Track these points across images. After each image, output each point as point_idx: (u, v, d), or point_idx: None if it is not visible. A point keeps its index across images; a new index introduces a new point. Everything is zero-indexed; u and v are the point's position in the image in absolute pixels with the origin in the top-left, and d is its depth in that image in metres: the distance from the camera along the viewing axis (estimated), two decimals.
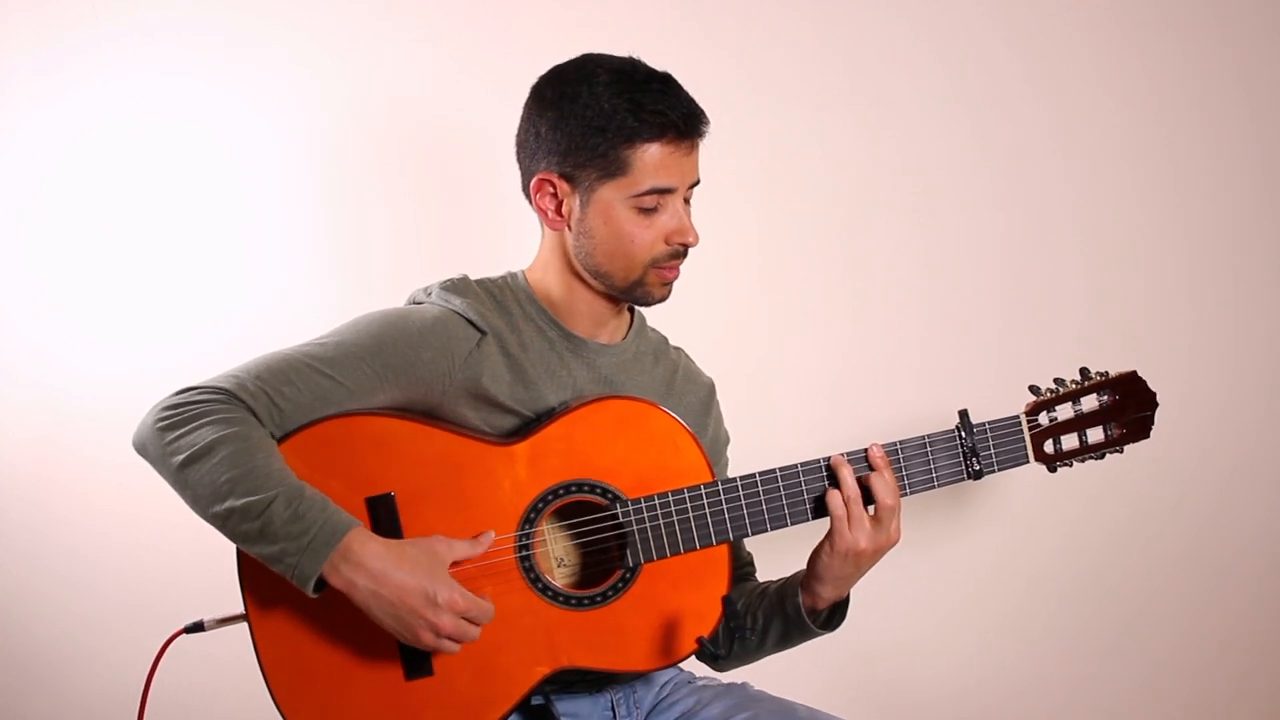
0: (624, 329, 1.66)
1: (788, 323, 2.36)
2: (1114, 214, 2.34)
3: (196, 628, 1.52)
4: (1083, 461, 1.55)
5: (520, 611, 1.47)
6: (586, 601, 1.49)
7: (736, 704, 1.58)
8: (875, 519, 1.49)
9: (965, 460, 1.52)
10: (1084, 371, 1.55)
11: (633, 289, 1.55)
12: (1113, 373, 1.55)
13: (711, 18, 2.32)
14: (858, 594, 1.59)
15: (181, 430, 1.36)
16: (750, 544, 1.76)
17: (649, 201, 1.50)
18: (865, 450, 1.50)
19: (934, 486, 1.53)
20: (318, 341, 1.48)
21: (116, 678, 2.18)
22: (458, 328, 1.51)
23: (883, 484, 1.48)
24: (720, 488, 1.49)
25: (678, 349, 1.74)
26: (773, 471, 1.50)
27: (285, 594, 1.42)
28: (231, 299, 2.34)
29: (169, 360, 2.31)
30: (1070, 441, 1.54)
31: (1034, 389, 1.55)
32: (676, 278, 1.57)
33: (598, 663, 1.49)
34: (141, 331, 2.34)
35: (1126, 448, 1.56)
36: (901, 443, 1.52)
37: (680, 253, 1.55)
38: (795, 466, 1.50)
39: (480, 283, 1.59)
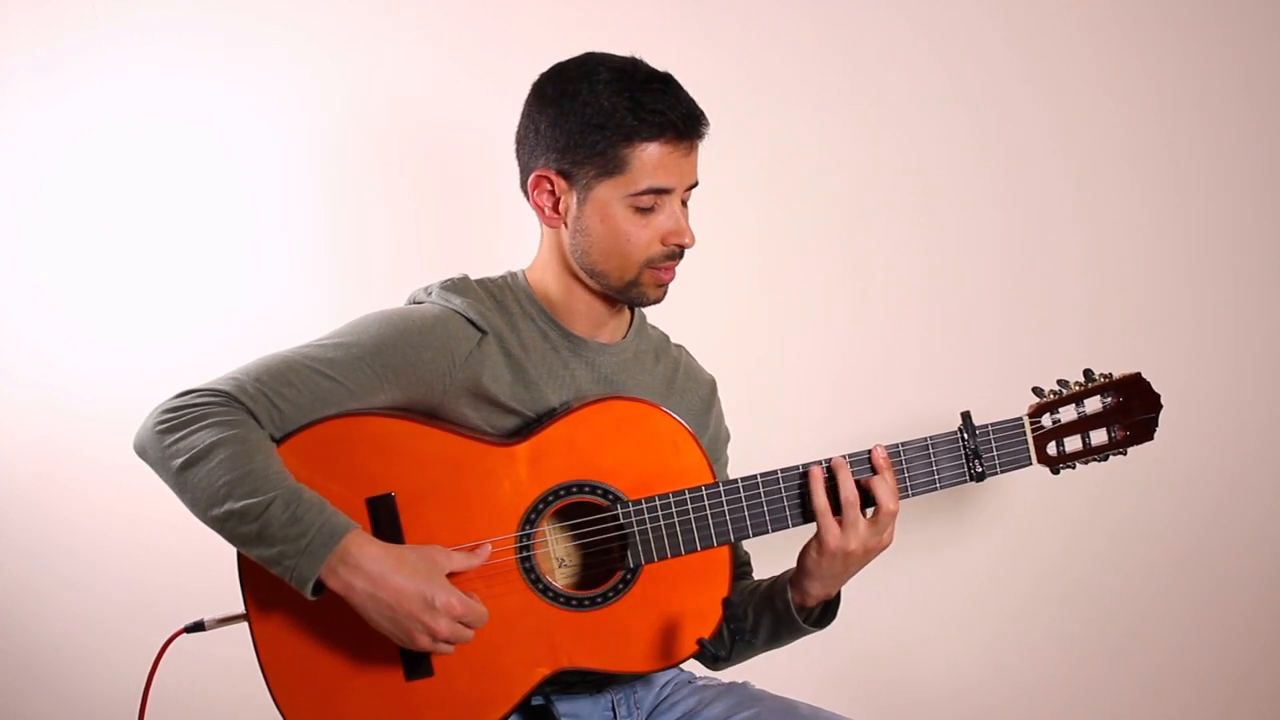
0: (624, 328, 1.66)
1: (788, 323, 2.36)
2: (1114, 214, 2.34)
3: (197, 627, 1.52)
4: (1086, 463, 1.55)
5: (521, 612, 1.47)
6: (587, 602, 1.49)
7: (738, 703, 1.58)
8: (872, 522, 1.48)
9: (968, 462, 1.52)
10: (1088, 373, 1.55)
11: (628, 289, 1.55)
12: (1117, 374, 1.54)
13: (711, 18, 2.32)
14: (860, 594, 1.59)
15: (181, 433, 1.36)
16: (749, 544, 1.76)
17: (646, 201, 1.50)
18: (868, 452, 1.50)
19: (936, 488, 1.52)
20: (318, 343, 1.48)
21: (116, 678, 2.18)
22: (458, 327, 1.51)
23: (885, 488, 1.48)
24: (721, 489, 1.49)
25: (679, 346, 1.74)
26: (773, 473, 1.49)
27: (286, 594, 1.42)
28: (231, 299, 2.34)
29: (169, 360, 2.31)
30: (1073, 443, 1.54)
31: (1037, 390, 1.54)
32: (672, 279, 1.57)
33: (598, 664, 1.49)
34: (141, 332, 2.34)
35: (1129, 450, 1.56)
36: (904, 444, 1.51)
37: (676, 254, 1.54)
38: (796, 468, 1.50)
39: (480, 282, 1.59)
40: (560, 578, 1.53)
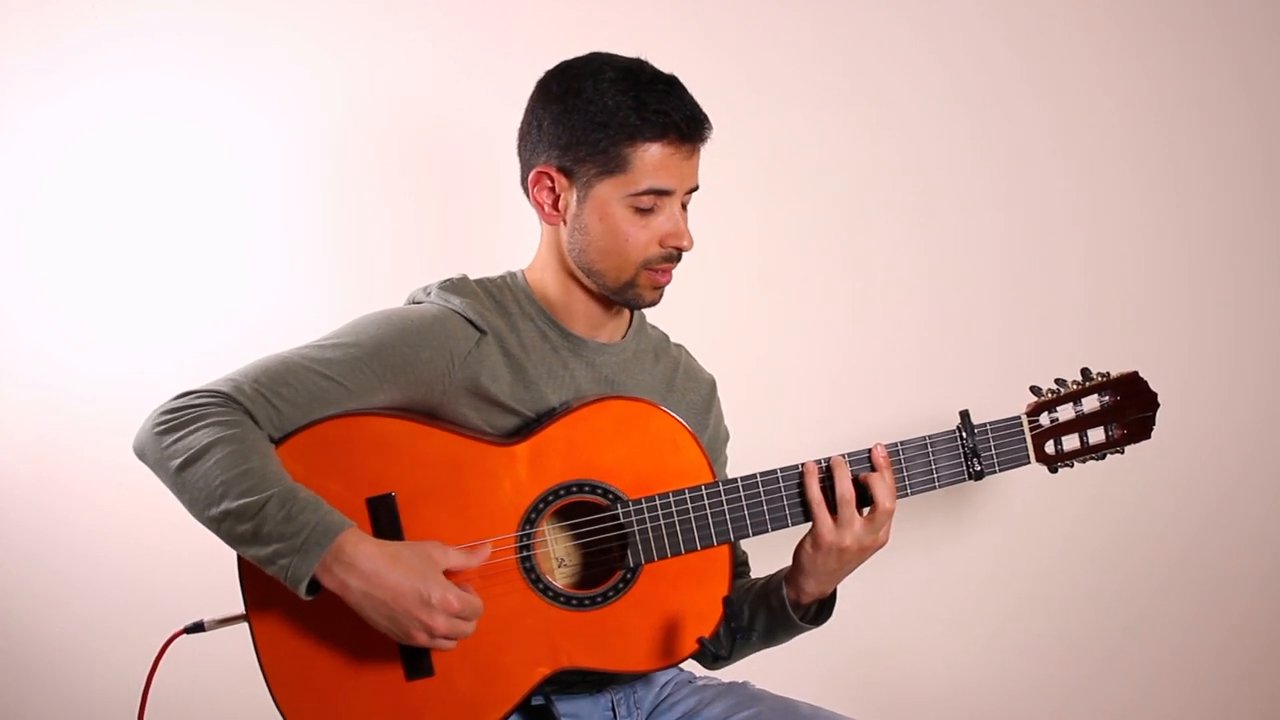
0: (623, 328, 1.66)
1: (788, 323, 2.36)
2: (1114, 214, 2.34)
3: (196, 628, 1.52)
4: (1084, 462, 1.55)
5: (521, 612, 1.47)
6: (587, 602, 1.49)
7: (738, 703, 1.58)
8: (869, 520, 1.48)
9: (966, 461, 1.52)
10: (1085, 372, 1.55)
11: (624, 290, 1.55)
12: (1114, 373, 1.55)
13: (711, 18, 2.32)
14: (859, 593, 1.59)
15: (179, 434, 1.36)
16: (747, 543, 1.76)
17: (646, 202, 1.50)
18: (868, 451, 1.50)
19: (935, 487, 1.53)
20: (317, 343, 1.48)
21: (116, 678, 2.18)
22: (457, 327, 1.51)
23: (883, 487, 1.48)
24: (721, 488, 1.49)
25: (678, 346, 1.74)
26: (773, 472, 1.49)
27: (285, 594, 1.42)
28: (231, 299, 2.34)
29: (169, 360, 2.31)
30: (1071, 442, 1.54)
31: (1035, 389, 1.55)
32: (669, 282, 1.57)
33: (598, 663, 1.49)
34: (141, 332, 2.34)
35: (1128, 449, 1.56)
36: (903, 443, 1.52)
37: (674, 256, 1.54)
38: (796, 467, 1.50)
39: (479, 282, 1.59)
40: (560, 577, 1.53)
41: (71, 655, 2.37)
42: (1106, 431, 1.55)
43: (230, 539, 1.36)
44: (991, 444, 1.52)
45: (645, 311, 1.70)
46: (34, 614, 2.38)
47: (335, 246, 2.35)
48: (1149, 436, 1.56)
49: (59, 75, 2.30)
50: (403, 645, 1.45)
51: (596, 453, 1.48)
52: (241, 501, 1.33)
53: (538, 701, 1.53)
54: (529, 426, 1.51)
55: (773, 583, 1.58)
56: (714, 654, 1.49)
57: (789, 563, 1.58)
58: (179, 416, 1.38)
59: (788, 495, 1.50)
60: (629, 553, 1.48)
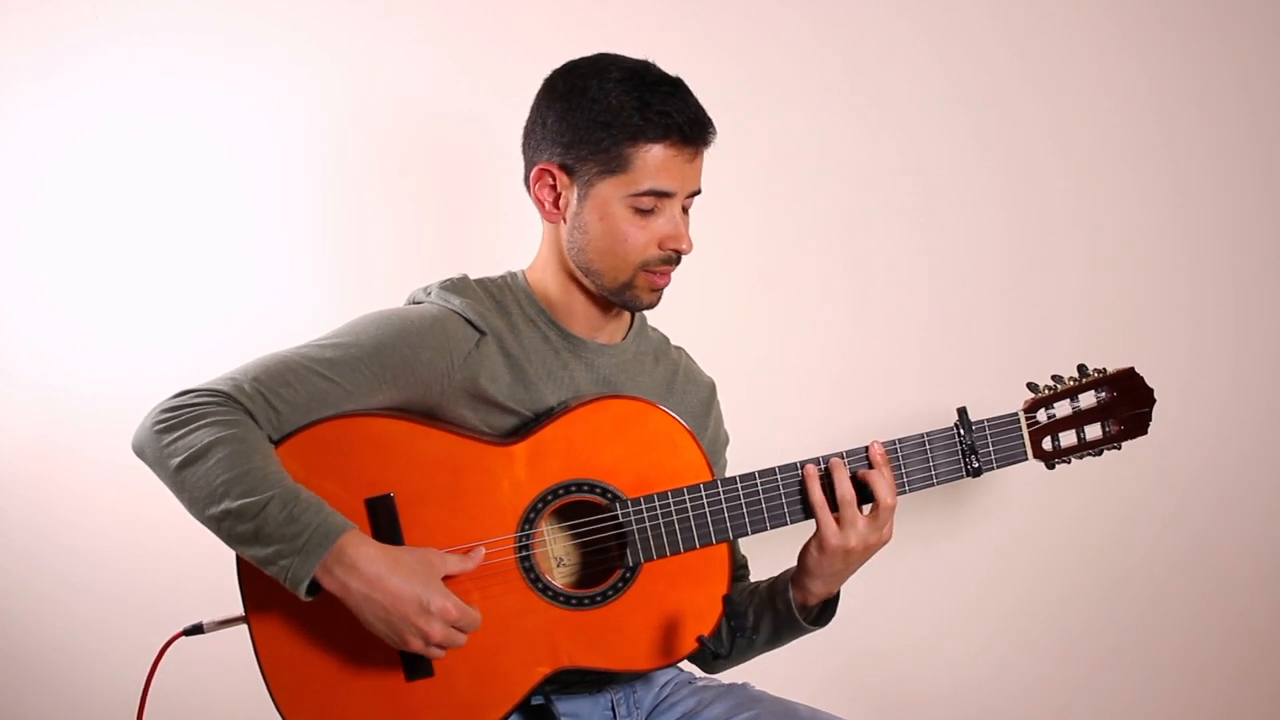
0: (623, 330, 1.66)
1: (788, 323, 2.36)
2: (1114, 214, 2.34)
3: (196, 630, 1.52)
4: (1081, 458, 1.56)
5: (520, 612, 1.47)
6: (587, 601, 1.49)
7: (738, 704, 1.58)
8: (871, 518, 1.49)
9: (964, 458, 1.52)
10: (1081, 368, 1.55)
11: (621, 291, 1.54)
12: (1110, 369, 1.55)
13: (711, 18, 2.32)
14: (857, 593, 1.59)
15: (179, 433, 1.36)
16: (748, 544, 1.76)
17: (646, 203, 1.50)
18: (866, 448, 1.50)
19: (933, 484, 1.53)
20: (316, 343, 1.47)
21: (116, 678, 2.18)
22: (457, 328, 1.51)
23: (883, 483, 1.48)
24: (720, 487, 1.49)
25: (679, 349, 1.74)
26: (772, 470, 1.50)
27: (285, 596, 1.42)
28: (231, 299, 2.34)
29: (169, 360, 2.31)
30: (1068, 438, 1.55)
31: (1032, 386, 1.55)
32: (667, 284, 1.57)
33: (598, 662, 1.49)
34: (141, 331, 2.34)
35: (1126, 447, 1.56)
36: (900, 440, 1.52)
37: (672, 259, 1.54)
38: (795, 465, 1.50)
39: (480, 282, 1.59)
40: (559, 577, 1.53)
41: (71, 655, 2.37)
42: (1103, 427, 1.55)
43: (230, 539, 1.36)
44: (989, 441, 1.53)
45: (645, 312, 1.69)
46: (34, 614, 2.38)
47: (335, 246, 2.35)
48: (1146, 432, 1.56)
49: (59, 75, 2.31)
50: None
51: (595, 452, 1.48)
52: (242, 501, 1.33)
53: (538, 701, 1.53)
54: (527, 426, 1.51)
55: (777, 586, 1.58)
56: (714, 652, 1.49)
57: (787, 565, 1.58)
58: (179, 415, 1.37)
59: (786, 494, 1.50)
60: (628, 552, 1.48)
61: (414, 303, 1.58)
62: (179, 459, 1.35)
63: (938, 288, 2.35)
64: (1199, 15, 2.32)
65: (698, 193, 1.55)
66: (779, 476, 1.50)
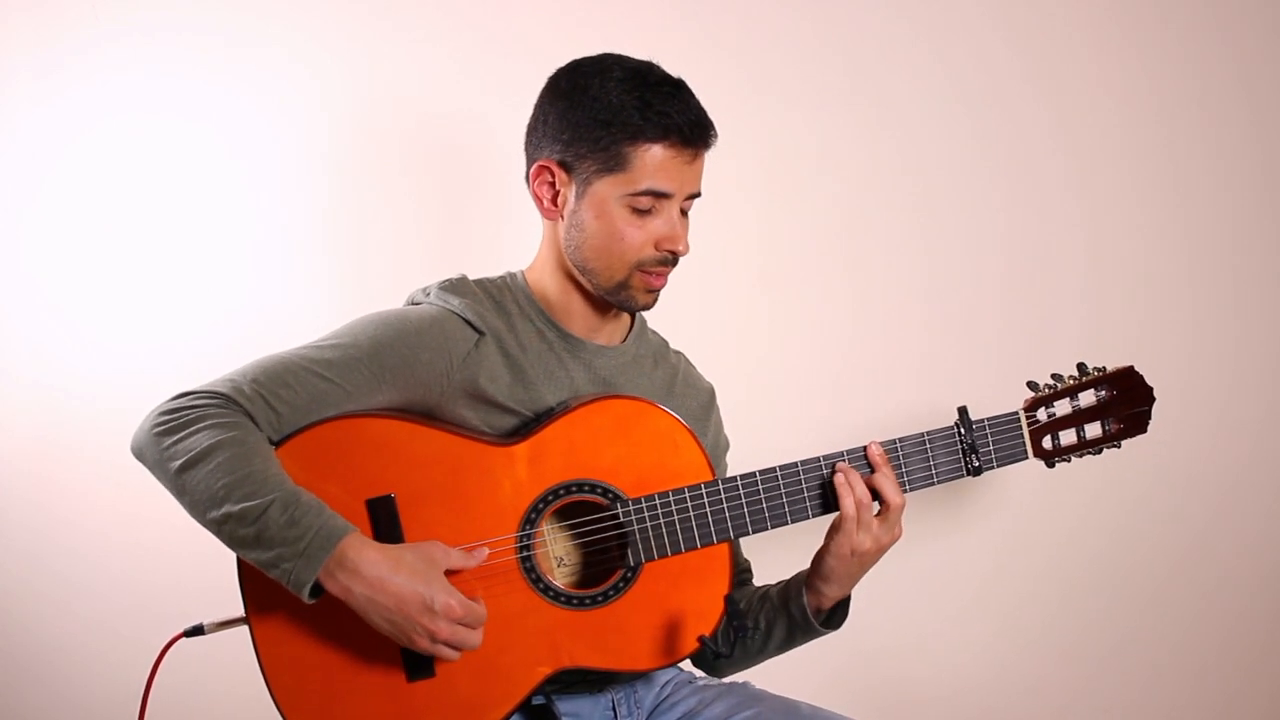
0: (623, 332, 1.66)
1: (788, 323, 2.36)
2: (1114, 214, 2.34)
3: (196, 631, 1.52)
4: (1080, 457, 1.56)
5: (522, 612, 1.47)
6: (588, 601, 1.49)
7: (739, 703, 1.58)
8: (882, 518, 1.49)
9: (964, 457, 1.53)
10: (1081, 367, 1.56)
11: (617, 290, 1.54)
12: (1110, 368, 1.56)
13: (711, 18, 2.32)
14: (857, 593, 1.59)
15: (178, 435, 1.36)
16: (748, 547, 1.76)
17: (644, 202, 1.50)
18: (864, 448, 1.50)
19: (933, 483, 1.53)
20: (315, 344, 1.47)
21: (116, 678, 2.18)
22: (456, 328, 1.51)
23: (889, 484, 1.49)
24: (721, 486, 1.49)
25: (678, 353, 1.74)
26: (773, 470, 1.50)
27: (285, 596, 1.42)
28: (231, 299, 2.34)
29: (169, 360, 2.31)
30: (1068, 437, 1.55)
31: (1032, 385, 1.56)
32: (663, 286, 1.56)
33: (599, 662, 1.49)
34: (141, 331, 2.34)
35: (1127, 447, 1.57)
36: (901, 440, 1.52)
37: (669, 260, 1.54)
38: (795, 464, 1.50)
39: (479, 283, 1.59)
40: (560, 577, 1.53)
41: (71, 655, 2.37)
42: (1103, 426, 1.55)
43: (231, 542, 1.36)
44: (989, 440, 1.53)
45: (645, 314, 1.69)
46: (34, 614, 2.38)
47: (335, 246, 2.35)
48: (1145, 431, 1.57)
49: (59, 75, 2.30)
50: (403, 646, 1.45)
51: (596, 452, 1.48)
52: (244, 505, 1.33)
53: (539, 701, 1.53)
54: (528, 426, 1.51)
55: (790, 591, 1.59)
56: (715, 652, 1.49)
57: (789, 565, 1.58)
58: (178, 417, 1.37)
59: (788, 493, 1.50)
60: (629, 552, 1.48)
61: (413, 303, 1.58)
62: (179, 462, 1.35)
63: (938, 287, 2.35)
64: (1199, 15, 2.32)
65: (697, 195, 1.55)
66: (779, 476, 1.50)
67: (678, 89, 1.51)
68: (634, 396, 1.52)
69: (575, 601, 1.48)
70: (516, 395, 1.52)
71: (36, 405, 2.35)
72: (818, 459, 1.50)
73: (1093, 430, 1.56)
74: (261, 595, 1.44)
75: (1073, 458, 1.56)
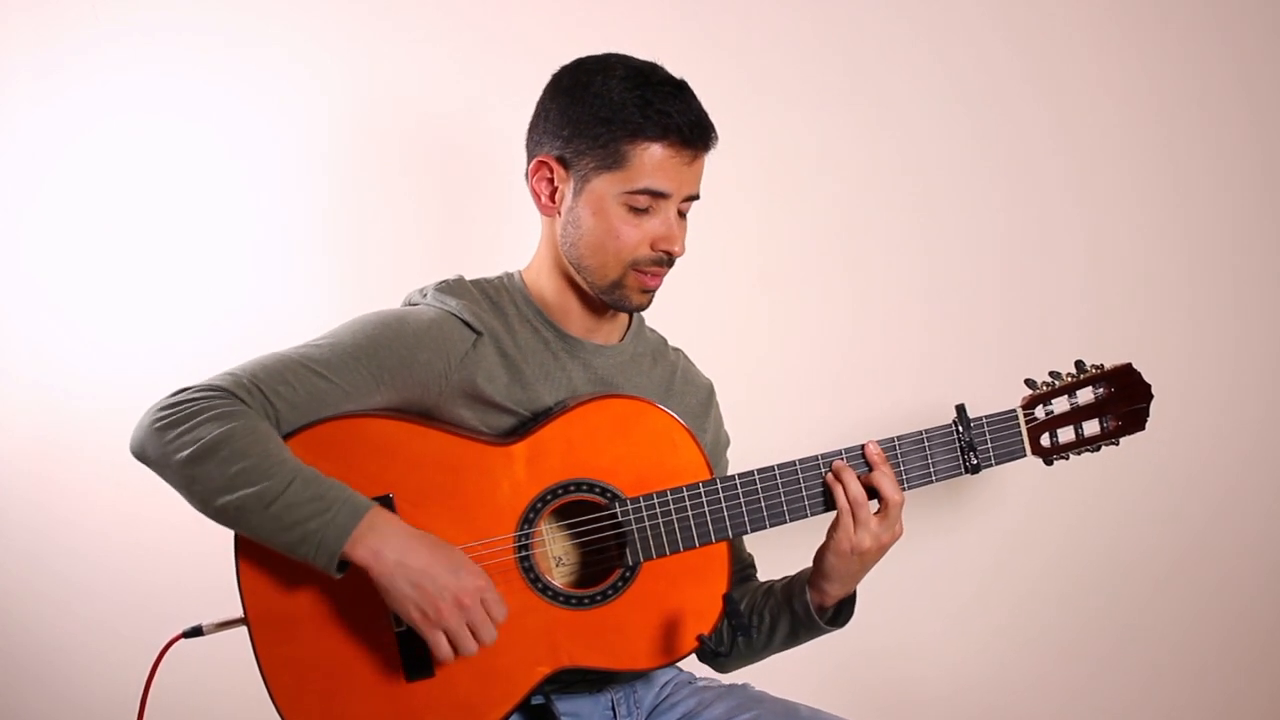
0: (620, 331, 1.66)
1: (788, 323, 2.36)
2: (1114, 214, 2.34)
3: (195, 633, 1.51)
4: (1079, 454, 1.56)
5: (520, 612, 1.47)
6: (587, 601, 1.49)
7: (738, 705, 1.58)
8: (882, 516, 1.49)
9: (962, 454, 1.53)
10: (1079, 364, 1.56)
11: (611, 289, 1.54)
12: (1108, 365, 1.56)
13: (711, 18, 2.32)
14: (859, 592, 1.59)
15: (181, 428, 1.35)
16: (750, 545, 1.76)
17: (641, 201, 1.50)
18: (861, 447, 1.50)
19: (931, 481, 1.53)
20: (314, 343, 1.47)
21: (116, 678, 2.18)
22: (454, 329, 1.51)
23: (888, 481, 1.49)
24: (719, 486, 1.49)
25: (677, 350, 1.74)
26: (771, 469, 1.50)
27: (285, 596, 1.42)
28: (231, 299, 2.34)
29: (169, 360, 2.31)
30: (1066, 434, 1.55)
31: (1030, 382, 1.56)
32: (658, 286, 1.56)
33: (599, 661, 1.49)
34: (141, 331, 2.34)
35: (1127, 446, 1.57)
36: (899, 438, 1.52)
37: (664, 261, 1.54)
38: (794, 463, 1.50)
39: (476, 283, 1.59)
40: (558, 576, 1.53)
41: (71, 655, 2.37)
42: (1101, 423, 1.55)
43: (247, 525, 1.35)
44: (988, 437, 1.53)
45: (645, 312, 1.69)
46: (34, 614, 2.38)
47: (335, 246, 2.35)
48: (1144, 428, 1.57)
49: (59, 75, 2.31)
50: (403, 645, 1.45)
51: (594, 451, 1.48)
52: (263, 485, 1.33)
53: (538, 701, 1.53)
54: (526, 426, 1.51)
55: (794, 589, 1.58)
56: (714, 651, 1.49)
57: (791, 563, 1.58)
58: (179, 411, 1.36)
59: (786, 492, 1.50)
60: (628, 551, 1.48)
61: (410, 304, 1.58)
62: (186, 453, 1.34)
63: (937, 287, 2.35)
64: (1199, 15, 2.32)
65: (695, 198, 1.55)
66: (778, 475, 1.50)
67: (680, 89, 1.51)
68: (632, 396, 1.52)
69: (574, 601, 1.48)
70: (514, 395, 1.52)
71: (36, 405, 2.35)
72: (816, 458, 1.50)
73: (1091, 428, 1.56)
74: (261, 596, 1.44)
75: (1071, 455, 1.56)
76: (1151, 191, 2.34)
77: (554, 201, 1.54)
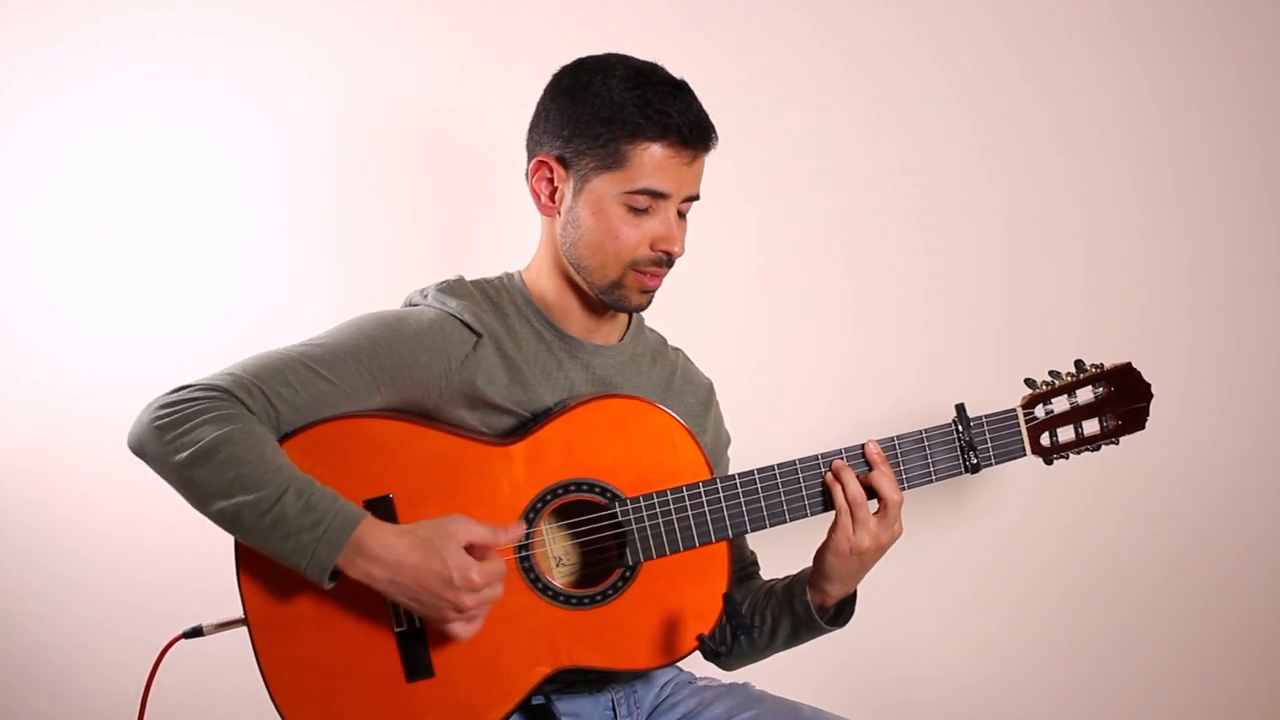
0: (620, 331, 1.66)
1: (788, 323, 2.36)
2: (1114, 214, 2.34)
3: (195, 633, 1.51)
4: (1079, 453, 1.56)
5: (520, 611, 1.47)
6: (587, 600, 1.49)
7: (739, 704, 1.58)
8: (881, 515, 1.49)
9: (962, 454, 1.53)
10: (1079, 364, 1.56)
11: (610, 289, 1.54)
12: (1108, 365, 1.56)
13: (711, 18, 2.32)
14: (859, 592, 1.59)
15: (182, 428, 1.35)
16: (751, 544, 1.76)
17: (640, 201, 1.50)
18: (861, 446, 1.50)
19: (931, 480, 1.53)
20: (314, 343, 1.47)
21: (116, 678, 2.18)
22: (454, 330, 1.51)
23: (887, 481, 1.49)
24: (719, 485, 1.49)
25: (676, 350, 1.74)
26: (771, 469, 1.50)
27: (284, 597, 1.42)
28: (231, 299, 2.34)
29: (169, 360, 2.31)
30: (1066, 434, 1.55)
31: (1029, 382, 1.56)
32: (657, 286, 1.56)
33: (599, 661, 1.49)
34: (141, 331, 2.34)
35: (1126, 446, 1.57)
36: (899, 438, 1.52)
37: (663, 261, 1.54)
38: (794, 463, 1.50)
39: (476, 284, 1.59)
40: (558, 576, 1.53)
41: (71, 655, 2.37)
42: (1101, 423, 1.56)
43: (243, 531, 1.35)
44: (987, 437, 1.53)
45: (645, 312, 1.69)
46: (34, 614, 2.38)
47: (335, 246, 2.35)
48: (1143, 427, 1.57)
49: (59, 75, 2.30)
50: (403, 646, 1.45)
51: (594, 451, 1.48)
52: (258, 494, 1.32)
53: (538, 701, 1.53)
54: (526, 426, 1.51)
55: (795, 588, 1.59)
56: (714, 650, 1.49)
57: (793, 561, 1.58)
58: (180, 410, 1.36)
59: (786, 492, 1.50)
60: (627, 551, 1.48)
61: (410, 305, 1.58)
62: (185, 454, 1.34)
63: (937, 287, 2.35)
64: (1199, 15, 2.32)
65: (695, 198, 1.55)
66: (778, 475, 1.50)
67: (680, 90, 1.51)
68: (632, 395, 1.52)
69: (574, 601, 1.48)
70: (514, 396, 1.52)
71: (36, 405, 2.35)
72: (815, 457, 1.50)
73: (1091, 427, 1.56)
74: (260, 596, 1.44)
75: (1071, 455, 1.56)
76: (1151, 191, 2.34)
77: (554, 201, 1.54)
